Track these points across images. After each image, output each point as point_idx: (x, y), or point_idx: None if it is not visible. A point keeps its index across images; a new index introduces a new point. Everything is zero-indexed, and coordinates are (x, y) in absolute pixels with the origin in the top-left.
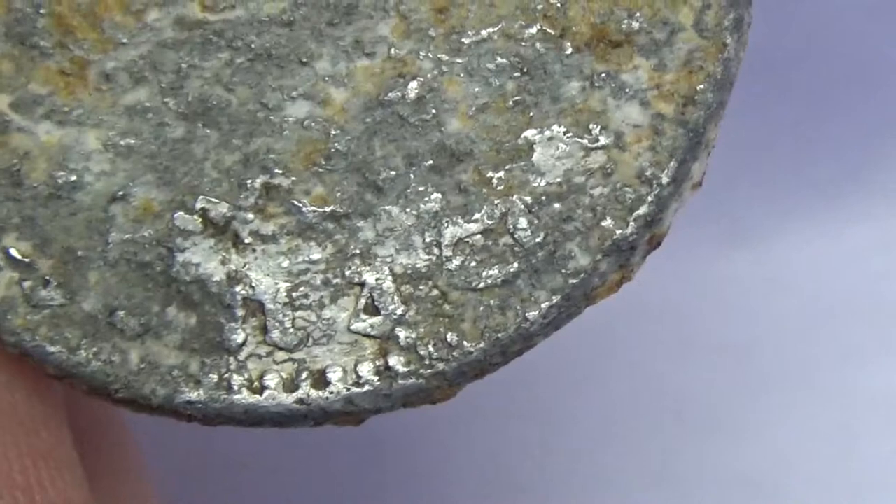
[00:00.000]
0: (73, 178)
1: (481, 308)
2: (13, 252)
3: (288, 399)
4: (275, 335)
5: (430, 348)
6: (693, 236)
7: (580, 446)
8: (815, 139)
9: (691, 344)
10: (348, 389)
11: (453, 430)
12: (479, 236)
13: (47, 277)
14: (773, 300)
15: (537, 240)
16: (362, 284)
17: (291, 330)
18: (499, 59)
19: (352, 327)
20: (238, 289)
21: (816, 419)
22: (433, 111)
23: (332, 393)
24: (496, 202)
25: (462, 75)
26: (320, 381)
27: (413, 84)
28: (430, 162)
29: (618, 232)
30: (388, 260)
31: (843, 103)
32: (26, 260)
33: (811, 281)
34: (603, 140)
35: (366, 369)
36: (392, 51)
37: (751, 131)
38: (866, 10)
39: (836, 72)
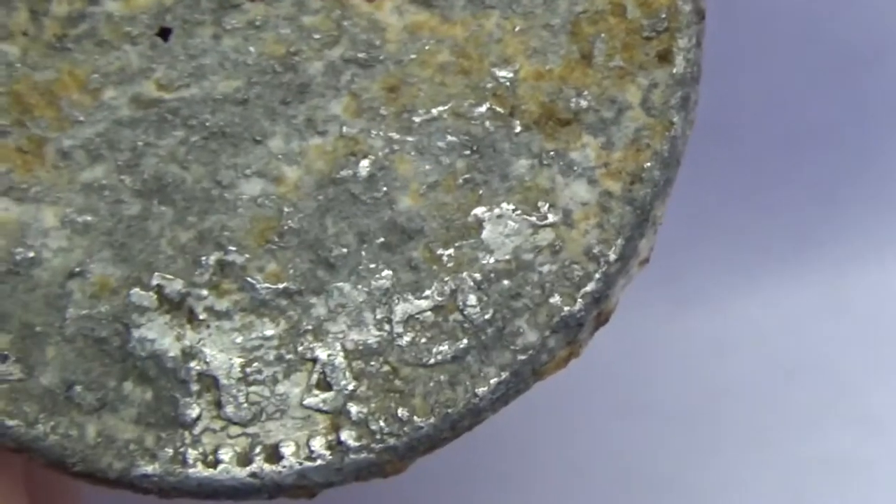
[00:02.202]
0: (31, 254)
1: (431, 384)
2: None
3: (242, 473)
4: (229, 410)
5: (381, 423)
6: (643, 299)
7: None
8: (766, 202)
9: (642, 408)
10: (301, 464)
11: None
12: (429, 313)
13: (5, 352)
14: (723, 363)
15: (486, 316)
16: (314, 360)
17: (245, 405)
18: (449, 138)
19: (304, 402)
20: (193, 364)
21: (766, 484)
22: (384, 189)
23: (285, 467)
24: (446, 279)
25: (413, 153)
26: (273, 455)
27: (364, 162)
28: (382, 239)
29: (566, 309)
30: (340, 336)
31: (791, 166)
32: None
33: (760, 344)
34: (551, 218)
35: (318, 444)
36: (344, 129)
37: (702, 193)
38: (809, 75)
39: (784, 135)
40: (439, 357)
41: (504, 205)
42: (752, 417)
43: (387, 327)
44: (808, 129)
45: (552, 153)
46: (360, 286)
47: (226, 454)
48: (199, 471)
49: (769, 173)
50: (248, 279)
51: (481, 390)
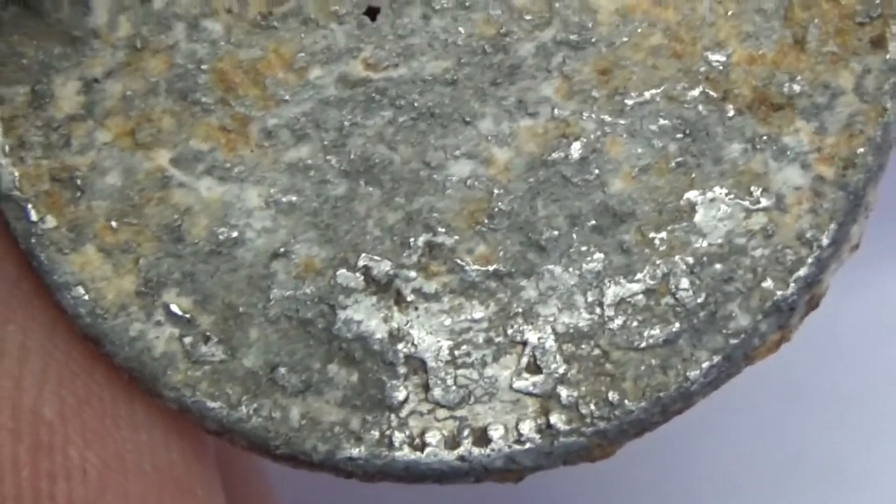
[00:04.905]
0: (235, 234)
1: (643, 367)
2: (174, 308)
3: (449, 456)
4: (437, 393)
5: (592, 407)
6: None
7: (697, 495)
8: None
9: (808, 393)
10: (510, 447)
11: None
12: (640, 296)
13: (208, 333)
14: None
15: (699, 300)
16: (524, 343)
17: (453, 388)
18: (661, 121)
19: (514, 385)
20: (400, 346)
21: None
22: (596, 171)
23: (493, 450)
24: (658, 262)
25: (625, 136)
26: (482, 438)
27: (576, 144)
28: (593, 222)
29: (778, 293)
30: (551, 319)
31: None
32: (187, 316)
33: None
34: (764, 202)
35: (527, 427)
36: (555, 111)
37: None
38: None
39: None
40: (651, 341)
41: (717, 189)
42: None
43: (598, 310)
44: None
45: (765, 137)
46: (571, 269)
47: (433, 437)
48: (406, 454)
49: None
50: (458, 261)
51: (693, 374)
